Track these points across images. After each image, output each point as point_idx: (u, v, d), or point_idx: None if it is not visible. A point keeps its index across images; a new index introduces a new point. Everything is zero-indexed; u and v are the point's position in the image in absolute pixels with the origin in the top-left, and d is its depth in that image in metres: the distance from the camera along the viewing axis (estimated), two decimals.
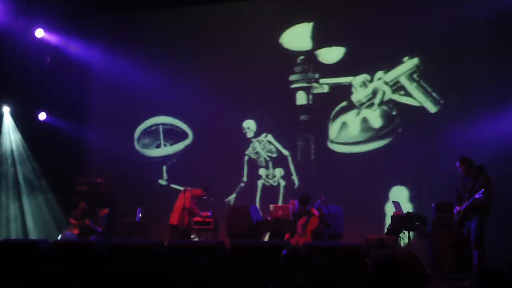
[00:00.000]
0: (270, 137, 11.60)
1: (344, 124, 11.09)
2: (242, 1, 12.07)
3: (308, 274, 2.07)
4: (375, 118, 10.90)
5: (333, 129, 11.15)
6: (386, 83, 10.88)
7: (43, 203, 11.65)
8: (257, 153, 11.63)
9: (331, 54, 11.31)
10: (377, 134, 10.85)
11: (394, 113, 10.78)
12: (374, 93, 10.94)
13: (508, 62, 9.85)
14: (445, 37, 10.30)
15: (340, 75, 11.17)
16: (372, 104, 10.94)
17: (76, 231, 10.13)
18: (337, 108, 11.14)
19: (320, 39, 11.39)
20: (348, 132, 11.05)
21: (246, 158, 11.71)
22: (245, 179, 11.68)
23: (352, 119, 11.05)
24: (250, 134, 11.72)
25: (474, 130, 9.74)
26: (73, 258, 6.04)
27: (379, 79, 10.92)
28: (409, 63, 10.74)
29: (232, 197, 11.63)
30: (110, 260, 6.06)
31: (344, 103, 11.11)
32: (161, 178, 12.19)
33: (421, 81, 10.63)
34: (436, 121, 10.39)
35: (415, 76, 10.69)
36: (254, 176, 11.63)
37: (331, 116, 11.17)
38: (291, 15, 11.60)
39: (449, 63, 10.30)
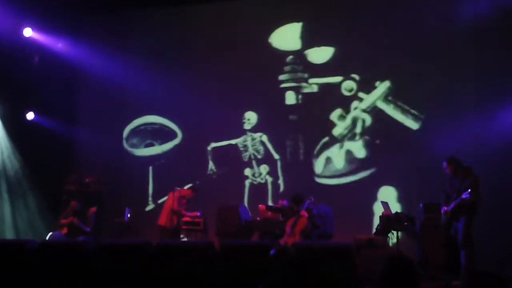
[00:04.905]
0: (264, 138, 11.57)
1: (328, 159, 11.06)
2: (231, 1, 12.04)
3: (292, 273, 2.07)
4: (359, 149, 10.89)
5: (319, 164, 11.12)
6: (363, 110, 10.90)
7: (31, 203, 11.54)
8: (245, 146, 11.60)
9: (320, 54, 11.34)
10: (362, 165, 10.82)
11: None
12: (354, 122, 10.96)
13: (491, 68, 9.88)
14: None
15: (329, 75, 11.20)
16: (354, 135, 10.95)
17: (64, 231, 10.05)
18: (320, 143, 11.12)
19: (309, 39, 11.41)
20: (333, 166, 11.00)
21: (233, 141, 11.69)
22: (213, 145, 11.68)
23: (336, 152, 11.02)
24: (247, 126, 11.68)
25: (461, 129, 9.82)
26: (61, 258, 6.01)
27: (356, 108, 10.95)
28: (382, 87, 10.80)
29: (211, 165, 11.65)
30: (99, 260, 6.04)
31: (326, 139, 11.08)
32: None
33: (398, 102, 10.68)
34: (421, 135, 10.46)
35: (390, 98, 10.74)
36: (239, 168, 11.62)
37: (315, 152, 11.13)
38: (280, 15, 11.62)
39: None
